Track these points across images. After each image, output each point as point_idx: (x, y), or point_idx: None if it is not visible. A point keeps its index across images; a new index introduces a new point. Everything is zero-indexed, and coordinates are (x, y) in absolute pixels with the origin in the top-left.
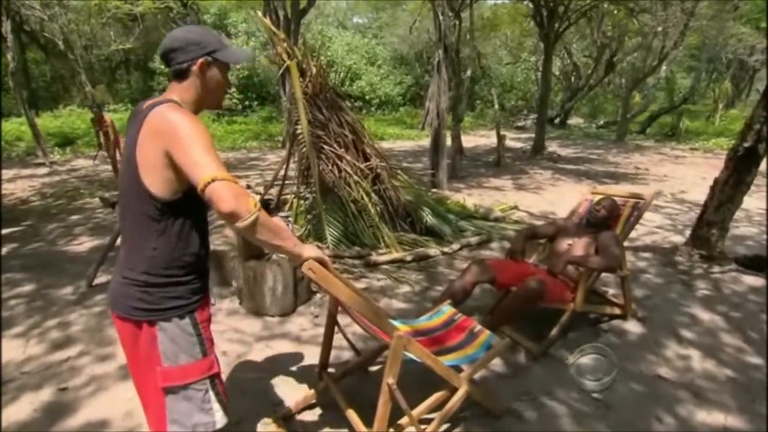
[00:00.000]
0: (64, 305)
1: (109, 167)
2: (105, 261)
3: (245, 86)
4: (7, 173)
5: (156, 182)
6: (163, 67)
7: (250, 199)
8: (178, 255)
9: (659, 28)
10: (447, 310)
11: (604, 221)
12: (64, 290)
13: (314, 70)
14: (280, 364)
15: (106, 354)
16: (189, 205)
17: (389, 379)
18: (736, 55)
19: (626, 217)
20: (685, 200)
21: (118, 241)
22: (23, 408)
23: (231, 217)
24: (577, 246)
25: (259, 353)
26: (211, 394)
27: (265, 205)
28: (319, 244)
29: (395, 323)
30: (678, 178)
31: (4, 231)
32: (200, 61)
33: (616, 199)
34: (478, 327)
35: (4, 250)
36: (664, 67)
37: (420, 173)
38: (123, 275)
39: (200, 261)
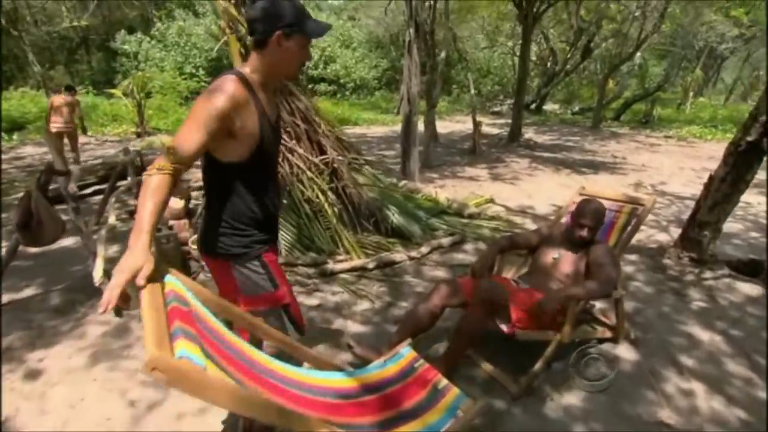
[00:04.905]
0: None
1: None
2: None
3: (215, 68)
4: None
5: (219, 148)
6: (125, 47)
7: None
8: (242, 210)
9: (637, 13)
10: (406, 353)
11: (589, 237)
12: None
13: None
14: None
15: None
16: (252, 166)
17: None
18: (707, 42)
19: (622, 225)
20: (666, 192)
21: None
22: None
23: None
24: (564, 261)
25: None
26: (285, 317)
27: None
28: None
29: (338, 376)
30: (656, 168)
31: None
32: (277, 33)
33: (611, 204)
34: (444, 381)
35: None
36: (638, 54)
37: (392, 162)
38: (210, 218)
39: (266, 217)
